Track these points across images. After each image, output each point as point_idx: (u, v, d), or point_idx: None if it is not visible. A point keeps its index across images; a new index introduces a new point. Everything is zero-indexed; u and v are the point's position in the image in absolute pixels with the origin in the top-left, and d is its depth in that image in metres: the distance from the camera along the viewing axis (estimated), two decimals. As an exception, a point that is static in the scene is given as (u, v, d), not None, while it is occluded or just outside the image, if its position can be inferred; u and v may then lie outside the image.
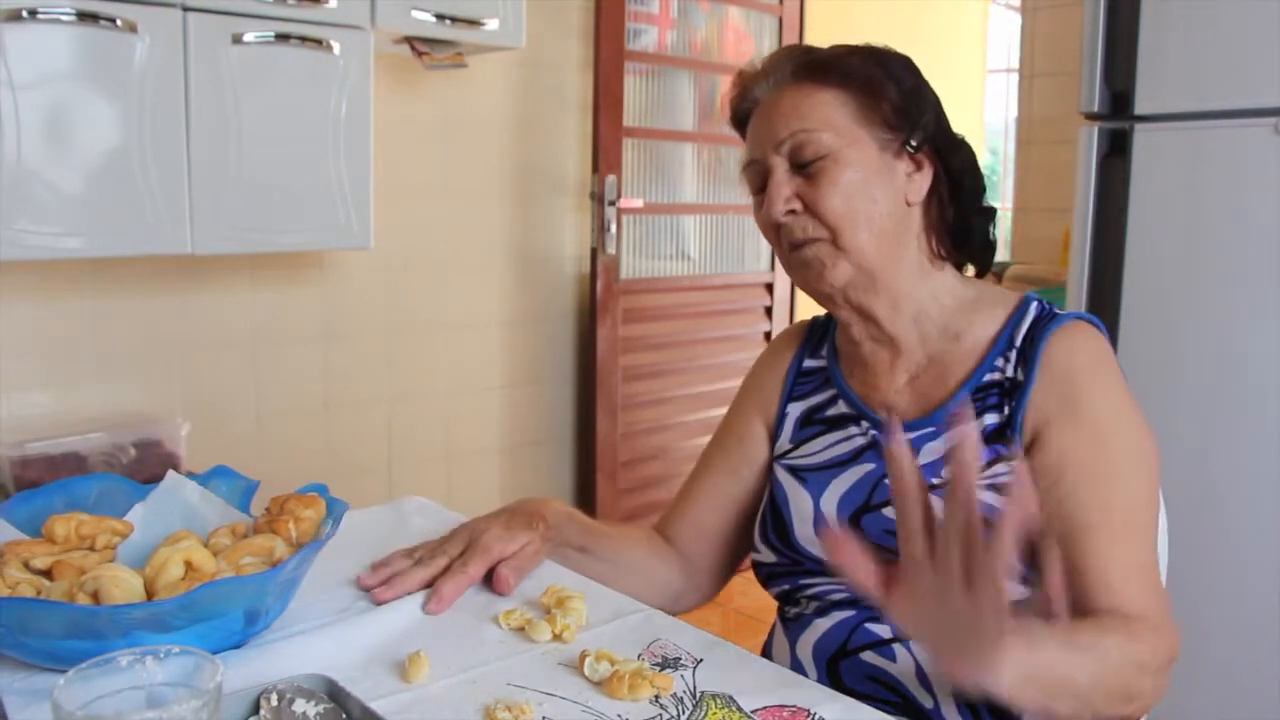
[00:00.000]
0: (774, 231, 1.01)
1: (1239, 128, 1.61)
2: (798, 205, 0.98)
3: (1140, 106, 1.71)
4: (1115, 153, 1.75)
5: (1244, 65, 1.60)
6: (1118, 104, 1.74)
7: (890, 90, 0.99)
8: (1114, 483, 0.90)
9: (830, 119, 0.97)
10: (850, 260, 0.98)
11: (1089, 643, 0.78)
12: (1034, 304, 1.01)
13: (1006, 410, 0.96)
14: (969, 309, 1.03)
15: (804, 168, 0.98)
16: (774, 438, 1.12)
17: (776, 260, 3.20)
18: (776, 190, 0.98)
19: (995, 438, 0.96)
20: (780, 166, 0.99)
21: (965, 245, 1.05)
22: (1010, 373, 0.97)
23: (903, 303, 1.02)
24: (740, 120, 1.07)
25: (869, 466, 1.02)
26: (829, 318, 1.15)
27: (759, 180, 1.02)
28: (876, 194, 0.98)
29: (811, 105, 0.98)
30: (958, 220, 1.04)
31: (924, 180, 1.01)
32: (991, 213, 1.06)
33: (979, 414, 0.98)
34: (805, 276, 1.01)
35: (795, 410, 1.11)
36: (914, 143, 1.00)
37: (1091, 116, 1.77)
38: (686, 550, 1.16)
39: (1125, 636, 0.81)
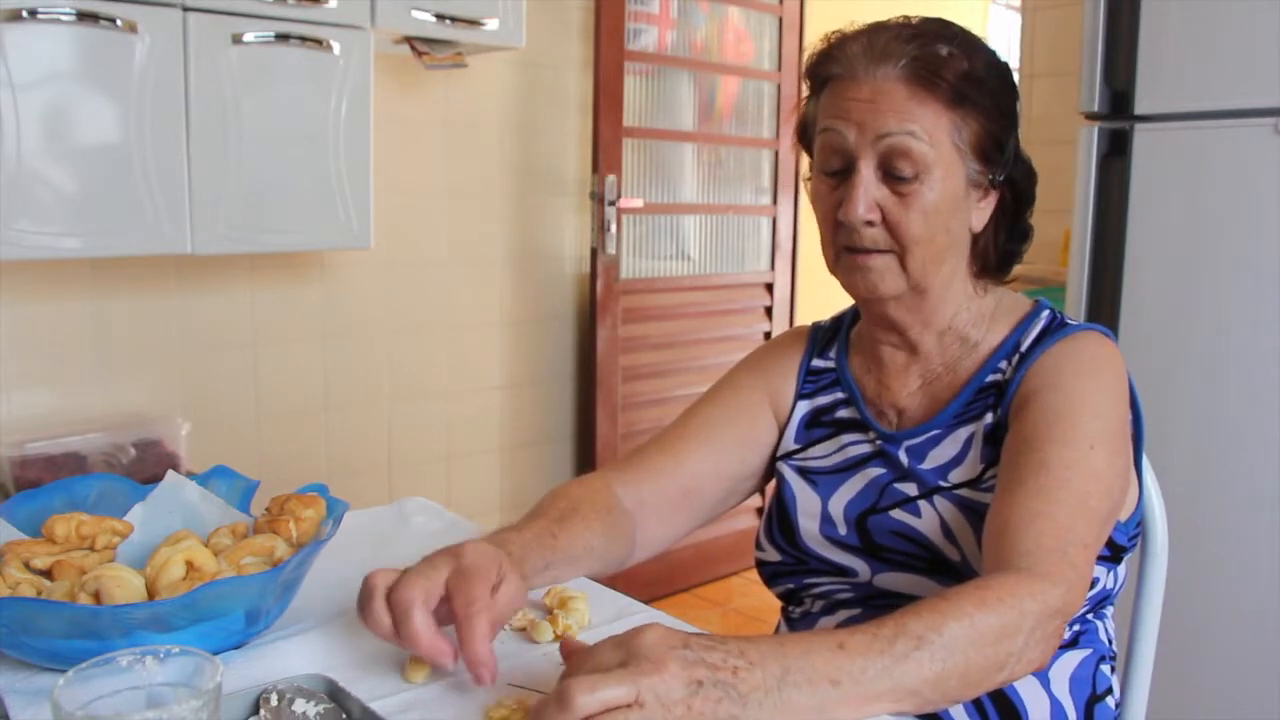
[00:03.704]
0: (836, 226, 0.97)
1: (1239, 128, 1.61)
2: (878, 216, 0.94)
3: (1140, 106, 1.71)
4: (1115, 153, 1.75)
5: (1244, 65, 1.59)
6: (1118, 104, 1.74)
7: (997, 125, 0.96)
8: (1062, 450, 0.88)
9: (936, 135, 0.93)
10: (908, 279, 0.97)
11: (921, 635, 0.73)
12: (1045, 312, 1.02)
13: (1001, 409, 0.97)
14: (987, 319, 1.03)
15: (894, 178, 0.93)
16: (781, 431, 1.12)
17: (776, 260, 3.21)
18: (863, 194, 0.93)
19: (993, 438, 0.97)
20: (870, 164, 0.94)
21: (1007, 269, 1.05)
22: (1009, 374, 0.98)
23: (934, 319, 1.02)
24: (819, 75, 0.99)
25: (877, 471, 1.03)
26: (835, 321, 1.15)
27: (837, 160, 0.96)
28: (952, 223, 0.96)
29: (922, 114, 0.93)
30: (1008, 245, 1.03)
31: (989, 207, 1.00)
32: (1030, 233, 1.05)
33: (979, 414, 0.99)
34: (854, 280, 0.99)
35: (803, 409, 1.11)
36: (998, 178, 0.99)
37: (1091, 116, 1.77)
38: (653, 509, 1.05)
39: (975, 608, 0.75)
